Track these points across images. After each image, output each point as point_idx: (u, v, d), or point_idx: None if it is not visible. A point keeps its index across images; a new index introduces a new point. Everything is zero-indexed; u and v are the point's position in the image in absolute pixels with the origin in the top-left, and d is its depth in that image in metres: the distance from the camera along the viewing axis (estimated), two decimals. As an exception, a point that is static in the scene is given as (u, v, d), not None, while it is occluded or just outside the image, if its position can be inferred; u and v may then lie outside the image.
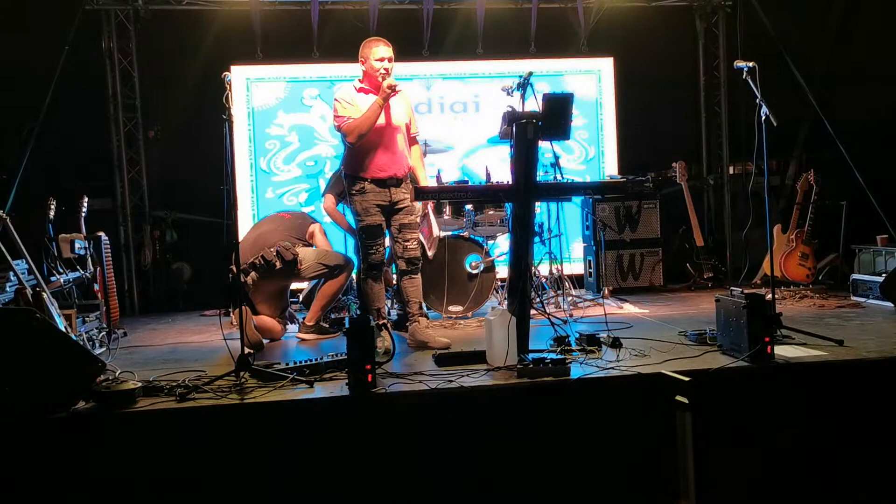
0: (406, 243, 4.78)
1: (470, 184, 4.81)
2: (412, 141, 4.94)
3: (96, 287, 5.34)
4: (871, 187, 6.58)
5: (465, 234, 5.86)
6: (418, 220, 4.89)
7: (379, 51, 4.64)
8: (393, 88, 4.51)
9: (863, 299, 5.75)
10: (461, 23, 7.60)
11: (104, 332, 5.01)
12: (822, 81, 7.42)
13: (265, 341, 5.08)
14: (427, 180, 5.01)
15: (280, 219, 5.36)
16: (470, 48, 7.64)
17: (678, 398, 3.31)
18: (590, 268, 7.08)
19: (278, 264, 4.95)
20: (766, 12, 7.23)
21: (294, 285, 5.79)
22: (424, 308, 5.01)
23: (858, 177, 6.65)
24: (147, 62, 7.40)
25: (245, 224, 7.20)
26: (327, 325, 5.29)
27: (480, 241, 5.87)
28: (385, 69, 4.60)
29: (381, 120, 4.60)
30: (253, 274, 4.94)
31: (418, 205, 4.92)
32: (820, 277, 6.57)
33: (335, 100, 4.71)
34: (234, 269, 4.21)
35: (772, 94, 4.48)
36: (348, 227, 5.77)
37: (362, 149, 4.65)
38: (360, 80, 4.77)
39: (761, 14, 7.25)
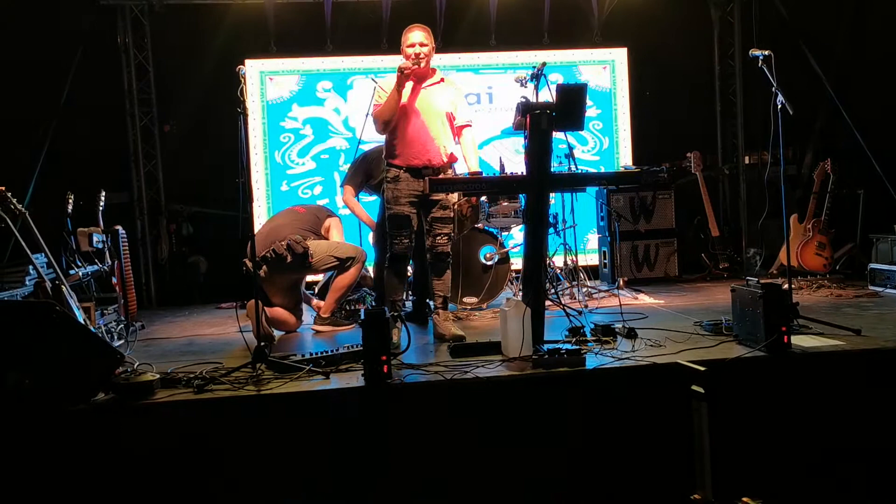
0: (436, 238, 4.71)
1: (484, 175, 4.77)
2: (459, 129, 4.79)
3: (114, 280, 5.38)
4: (888, 176, 6.52)
5: (480, 225, 5.86)
6: (451, 213, 4.77)
7: (410, 36, 4.57)
8: (402, 70, 4.41)
9: (880, 289, 5.71)
10: (474, 14, 7.59)
11: (122, 325, 5.05)
12: (838, 69, 7.35)
13: (280, 333, 5.12)
14: (475, 167, 4.81)
15: (294, 213, 5.38)
16: (483, 39, 7.63)
17: (694, 388, 3.30)
18: (604, 258, 7.07)
19: (289, 258, 4.97)
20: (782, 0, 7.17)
21: (309, 277, 5.82)
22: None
23: (876, 165, 6.59)
24: (162, 57, 7.44)
25: (260, 217, 7.25)
26: (342, 317, 5.31)
27: (495, 232, 5.87)
28: (415, 54, 4.51)
29: (414, 107, 4.55)
30: (265, 267, 4.96)
31: (454, 197, 4.83)
32: (837, 267, 6.52)
33: (377, 88, 4.67)
34: (249, 261, 4.24)
35: (788, 82, 4.45)
36: (367, 218, 5.79)
37: (396, 136, 4.60)
38: None
39: (777, 1, 7.19)
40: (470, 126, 4.87)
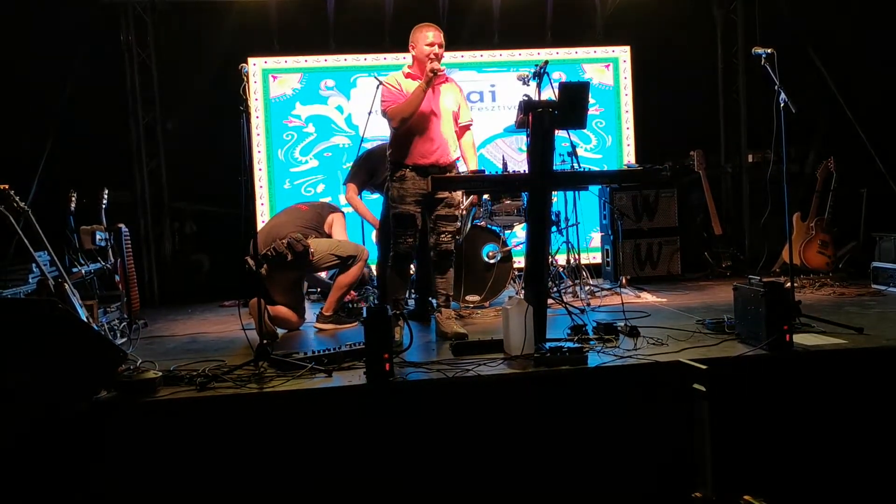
0: (440, 236, 4.72)
1: (486, 173, 4.77)
2: (462, 130, 4.86)
3: (117, 278, 5.40)
4: (891, 174, 6.51)
5: (482, 223, 5.87)
6: (459, 212, 4.79)
7: (429, 35, 4.58)
8: (436, 72, 4.43)
9: (883, 287, 5.71)
10: (477, 12, 7.59)
11: (125, 323, 5.07)
12: (841, 67, 7.34)
13: (282, 331, 5.12)
14: (475, 167, 4.83)
15: (297, 210, 5.38)
16: (486, 37, 7.63)
17: (696, 386, 3.31)
18: (607, 257, 7.07)
19: (289, 256, 4.97)
20: (785, -2, 7.17)
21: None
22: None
23: (879, 164, 6.58)
24: (164, 55, 7.44)
25: (263, 215, 7.25)
26: (345, 315, 5.31)
27: (497, 230, 5.87)
28: (435, 54, 4.52)
29: (427, 106, 4.56)
30: (265, 265, 4.96)
31: (458, 195, 4.85)
32: (840, 265, 6.50)
33: (383, 84, 4.67)
34: (251, 259, 4.24)
35: (790, 80, 4.44)
36: (370, 216, 5.80)
37: (406, 135, 4.60)
38: (408, 66, 4.71)
39: (780, -1, 7.19)
40: (471, 126, 4.93)
